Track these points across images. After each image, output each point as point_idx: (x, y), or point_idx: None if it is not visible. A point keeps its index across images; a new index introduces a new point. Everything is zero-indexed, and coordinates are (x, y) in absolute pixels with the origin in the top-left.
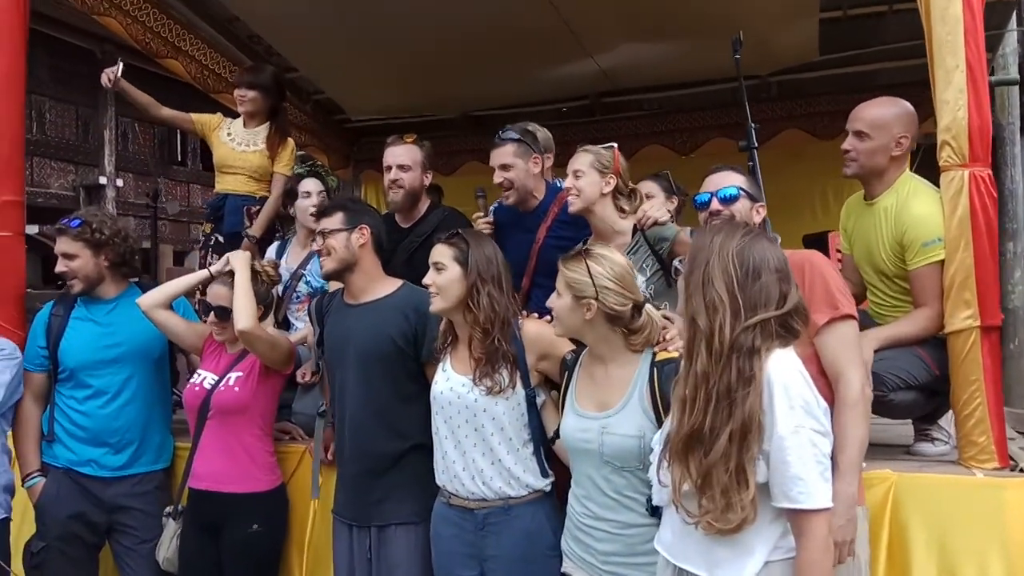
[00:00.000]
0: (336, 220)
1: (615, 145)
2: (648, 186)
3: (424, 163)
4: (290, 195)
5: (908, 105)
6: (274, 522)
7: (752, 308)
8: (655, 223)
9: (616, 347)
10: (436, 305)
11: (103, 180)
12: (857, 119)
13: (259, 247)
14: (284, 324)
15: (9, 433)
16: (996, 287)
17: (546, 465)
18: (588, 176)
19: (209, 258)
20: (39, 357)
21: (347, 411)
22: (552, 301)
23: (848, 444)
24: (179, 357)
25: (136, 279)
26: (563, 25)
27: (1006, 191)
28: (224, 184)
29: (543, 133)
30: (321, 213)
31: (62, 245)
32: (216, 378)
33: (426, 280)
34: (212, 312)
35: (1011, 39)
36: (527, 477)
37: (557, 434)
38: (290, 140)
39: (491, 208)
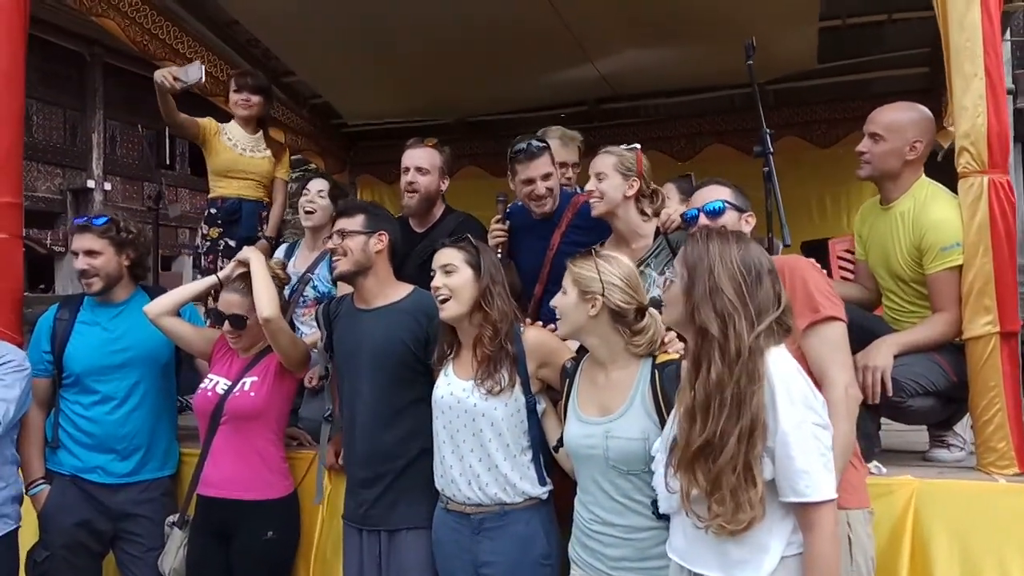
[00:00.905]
0: (357, 222)
1: (638, 146)
2: (666, 188)
3: (443, 168)
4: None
5: (925, 111)
6: (288, 529)
7: (760, 313)
8: (679, 227)
9: (617, 349)
10: (450, 311)
11: (91, 184)
12: (873, 121)
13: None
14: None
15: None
16: (1015, 293)
17: (544, 474)
18: (611, 179)
19: (220, 263)
20: (43, 362)
21: (358, 416)
22: (557, 300)
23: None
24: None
25: (143, 282)
26: (564, 29)
27: None
28: (230, 189)
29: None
30: (341, 212)
31: (85, 242)
32: (229, 383)
33: (436, 283)
34: (226, 320)
35: (1006, 49)
36: (523, 484)
37: (559, 442)
38: (287, 147)
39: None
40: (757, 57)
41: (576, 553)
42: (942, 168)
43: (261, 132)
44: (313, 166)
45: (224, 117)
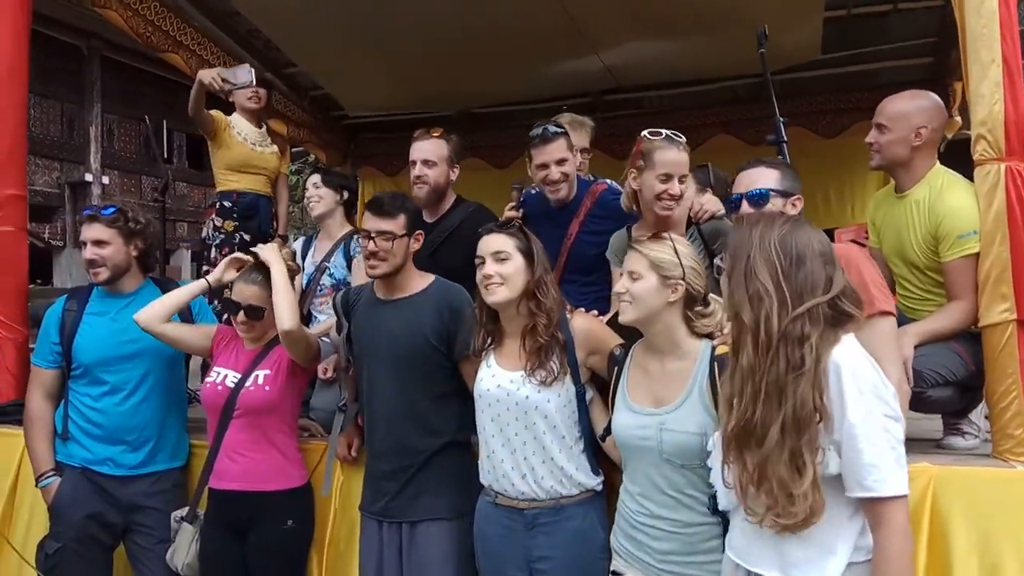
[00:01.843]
0: (400, 224)
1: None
2: None
3: (451, 158)
4: None
5: (932, 97)
6: (306, 518)
7: (799, 296)
8: (712, 216)
9: (679, 337)
10: (500, 295)
11: (89, 177)
12: (879, 112)
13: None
14: (307, 318)
15: None
16: None
17: (595, 463)
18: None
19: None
20: (52, 353)
21: (379, 407)
22: (626, 285)
23: None
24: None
25: (152, 274)
26: (568, 21)
27: None
28: (243, 184)
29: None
30: (382, 212)
31: (93, 232)
32: (239, 375)
33: (488, 270)
34: (242, 311)
35: None
36: (580, 475)
37: (607, 431)
38: (287, 139)
39: (521, 198)
40: None
41: (620, 544)
42: (944, 158)
43: (264, 126)
44: (313, 158)
45: (222, 106)
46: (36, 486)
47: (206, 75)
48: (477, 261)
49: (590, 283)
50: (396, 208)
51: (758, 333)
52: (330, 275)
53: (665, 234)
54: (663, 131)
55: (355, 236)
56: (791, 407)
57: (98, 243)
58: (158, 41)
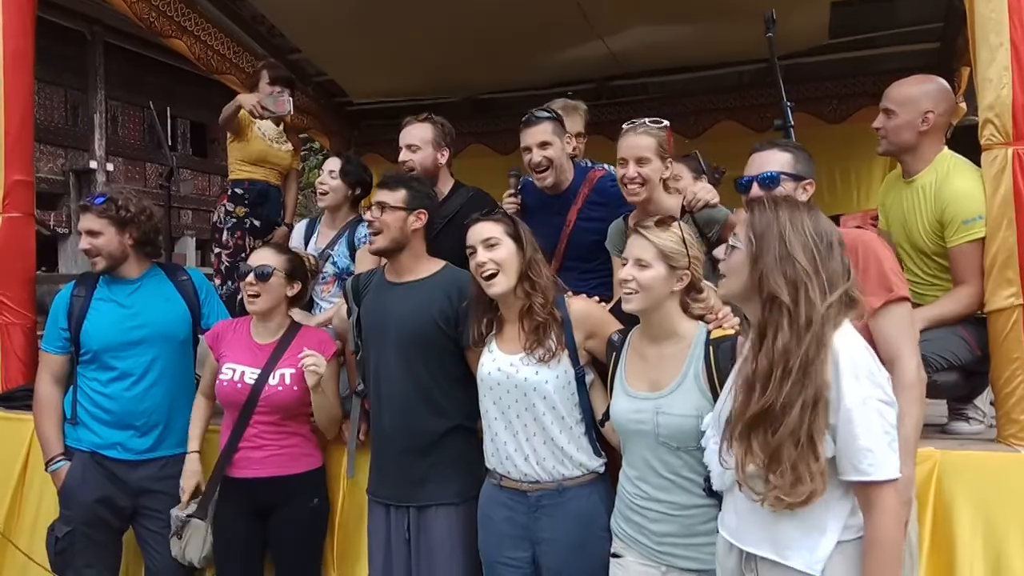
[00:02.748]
0: (399, 197)
1: (667, 123)
2: (675, 167)
3: (437, 140)
4: None
5: (939, 81)
6: (327, 497)
7: (832, 282)
8: (706, 205)
9: (674, 322)
10: (501, 286)
11: (93, 164)
12: (886, 97)
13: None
14: (309, 305)
15: None
16: None
17: (598, 445)
18: (653, 163)
19: (247, 239)
20: (60, 339)
21: (386, 390)
22: (632, 273)
23: (904, 426)
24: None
25: (159, 259)
26: (575, 6)
27: None
28: (257, 175)
29: (581, 106)
30: (384, 184)
31: (86, 222)
32: (257, 371)
33: (481, 258)
34: (251, 273)
35: None
36: (581, 456)
37: (606, 416)
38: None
39: (519, 185)
40: None
41: (619, 527)
42: (949, 144)
43: (282, 124)
44: (317, 145)
45: (226, 93)
46: (46, 470)
47: (247, 101)
48: (468, 251)
49: (589, 270)
50: (397, 182)
51: (797, 315)
52: (333, 263)
53: (672, 219)
54: (638, 119)
55: (360, 224)
56: (813, 389)
57: (91, 233)
58: (162, 27)
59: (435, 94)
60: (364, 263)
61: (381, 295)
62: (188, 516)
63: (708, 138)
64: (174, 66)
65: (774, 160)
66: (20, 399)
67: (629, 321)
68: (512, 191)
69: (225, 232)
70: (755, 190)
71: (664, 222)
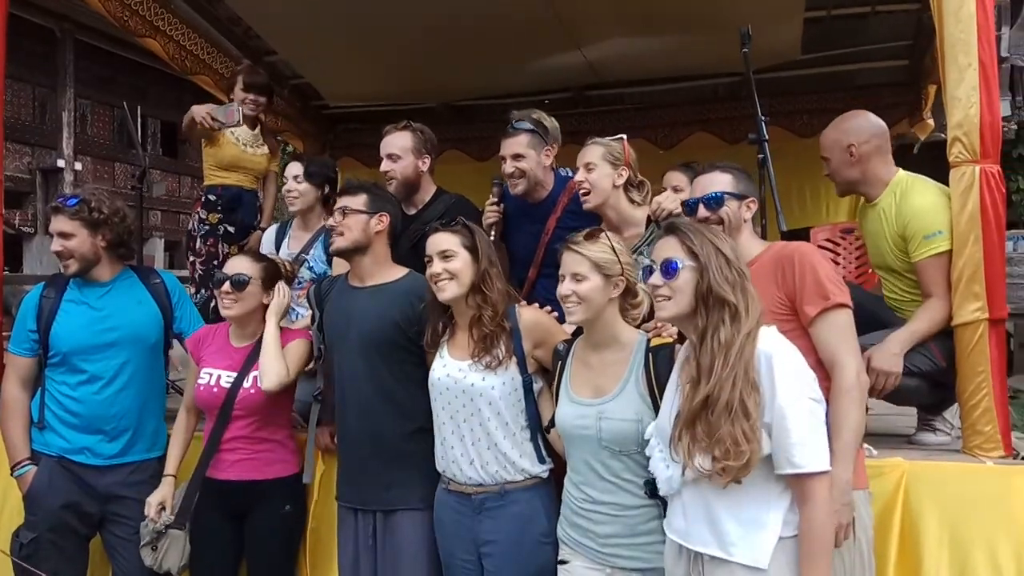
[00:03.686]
0: (359, 201)
1: (624, 137)
2: (676, 177)
3: (417, 148)
4: None
5: (858, 115)
6: (300, 503)
7: (749, 280)
8: (669, 215)
9: (616, 329)
10: (450, 292)
11: (61, 163)
12: (820, 147)
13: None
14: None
15: None
16: (1003, 281)
17: (544, 452)
18: (600, 169)
19: (220, 246)
20: (28, 340)
21: (351, 394)
22: (571, 287)
23: (844, 430)
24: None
25: (131, 262)
26: (553, 15)
27: None
28: (230, 180)
29: (551, 123)
30: (345, 190)
31: (58, 224)
32: (233, 375)
33: (435, 270)
34: (227, 281)
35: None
36: (523, 462)
37: (552, 423)
38: (278, 140)
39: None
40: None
41: (565, 532)
42: (918, 160)
43: (259, 127)
44: (291, 148)
45: (199, 94)
46: (11, 475)
47: (198, 113)
48: (426, 260)
49: None
50: (358, 188)
51: (739, 312)
52: (309, 268)
53: (600, 231)
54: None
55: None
56: (743, 365)
57: (63, 235)
58: (136, 26)
59: (412, 99)
60: (341, 268)
61: (344, 300)
62: (166, 527)
63: (682, 149)
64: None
65: (717, 181)
66: None
67: (575, 335)
68: (495, 200)
69: (198, 240)
70: (701, 211)
71: (593, 235)
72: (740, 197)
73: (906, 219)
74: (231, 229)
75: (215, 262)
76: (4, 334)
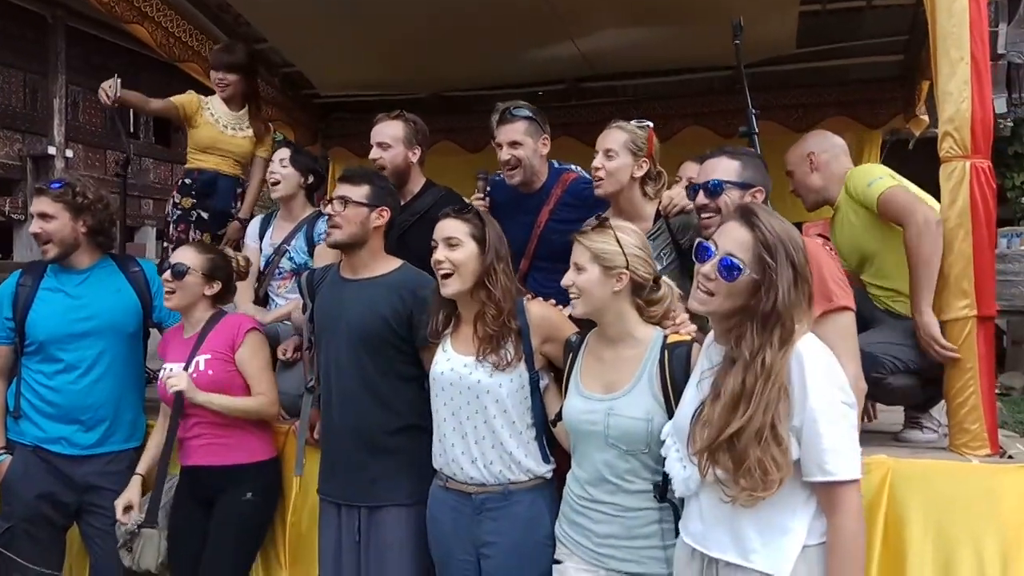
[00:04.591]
0: (361, 192)
1: (651, 124)
2: (692, 168)
3: (408, 138)
4: None
5: (818, 132)
6: (267, 492)
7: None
8: (681, 211)
9: (629, 325)
10: (452, 288)
11: (52, 150)
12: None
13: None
14: (264, 300)
15: None
16: (992, 278)
17: (548, 451)
18: (621, 158)
19: (191, 233)
20: (5, 329)
21: (336, 388)
22: (571, 278)
23: None
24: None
25: (111, 251)
26: (546, 5)
27: None
28: (208, 163)
29: (541, 114)
30: (346, 179)
31: (40, 205)
32: (182, 365)
33: (438, 256)
34: (168, 270)
35: None
36: (528, 462)
37: (558, 416)
38: (271, 126)
39: (488, 186)
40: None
41: (563, 531)
42: (914, 156)
43: (245, 109)
44: (282, 137)
45: (190, 80)
46: None
47: (101, 92)
48: (432, 245)
49: (559, 271)
50: (361, 177)
51: (788, 332)
52: (289, 258)
53: (609, 222)
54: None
55: (320, 219)
56: (775, 388)
57: (44, 216)
58: (122, 12)
59: (404, 89)
60: (323, 259)
61: (335, 291)
62: (139, 526)
63: (677, 142)
64: (138, 52)
65: (720, 168)
66: None
67: (586, 324)
68: (480, 194)
69: (170, 225)
70: (700, 197)
71: (600, 226)
72: (744, 186)
73: (851, 189)
74: (204, 215)
75: None
76: None
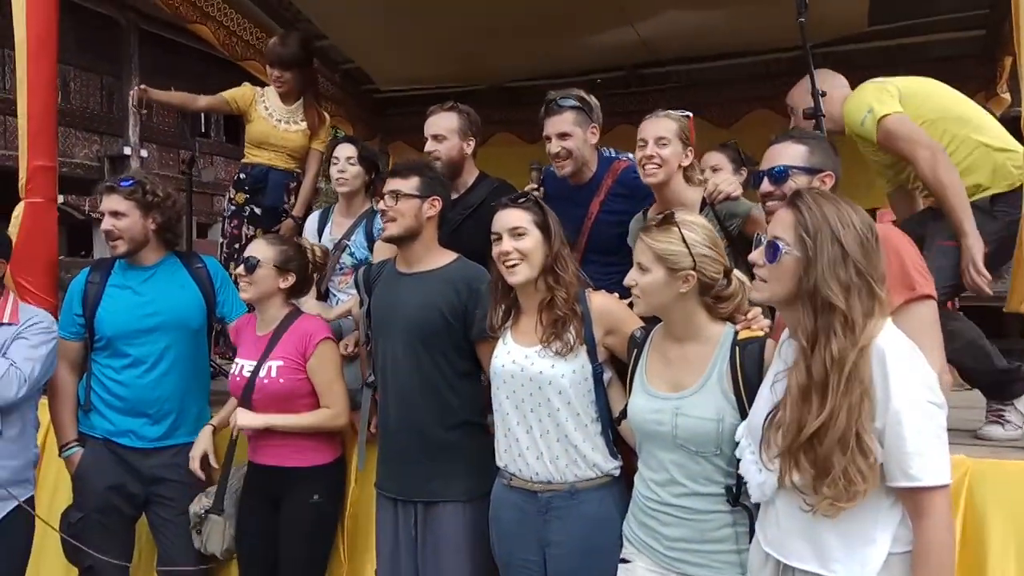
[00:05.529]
0: (412, 184)
1: (690, 115)
2: (715, 158)
3: (463, 130)
4: None
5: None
6: (334, 493)
7: (880, 280)
8: (727, 198)
9: (698, 323)
10: (522, 275)
11: (127, 150)
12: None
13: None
14: (325, 296)
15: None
16: None
17: (614, 447)
18: (673, 146)
19: (244, 228)
20: (75, 325)
21: (393, 383)
22: (634, 278)
23: None
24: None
25: (176, 247)
26: None
27: None
28: (261, 158)
29: (594, 101)
30: (395, 172)
31: (111, 203)
32: (253, 364)
33: (504, 247)
34: (242, 264)
35: None
36: (595, 456)
37: (623, 414)
38: (327, 116)
39: (541, 176)
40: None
41: (631, 531)
42: None
43: (300, 102)
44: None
45: (256, 78)
46: (59, 456)
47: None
48: (493, 237)
49: (611, 264)
50: (409, 170)
51: (851, 319)
52: (350, 254)
53: (676, 218)
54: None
55: (377, 214)
56: (858, 391)
57: (115, 214)
58: (186, 12)
59: (462, 81)
60: (382, 254)
61: (391, 285)
62: (205, 512)
63: (742, 127)
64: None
65: (786, 154)
66: None
67: (653, 319)
68: (534, 185)
69: (224, 221)
70: (765, 185)
71: (665, 223)
72: (811, 171)
73: (850, 127)
74: (256, 211)
75: (237, 245)
76: None
